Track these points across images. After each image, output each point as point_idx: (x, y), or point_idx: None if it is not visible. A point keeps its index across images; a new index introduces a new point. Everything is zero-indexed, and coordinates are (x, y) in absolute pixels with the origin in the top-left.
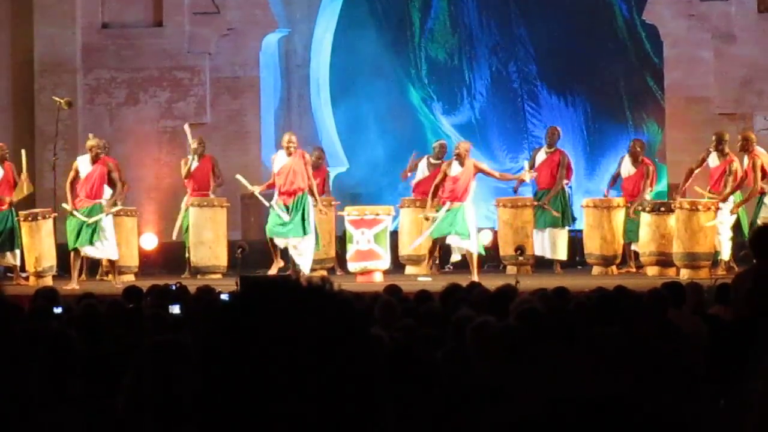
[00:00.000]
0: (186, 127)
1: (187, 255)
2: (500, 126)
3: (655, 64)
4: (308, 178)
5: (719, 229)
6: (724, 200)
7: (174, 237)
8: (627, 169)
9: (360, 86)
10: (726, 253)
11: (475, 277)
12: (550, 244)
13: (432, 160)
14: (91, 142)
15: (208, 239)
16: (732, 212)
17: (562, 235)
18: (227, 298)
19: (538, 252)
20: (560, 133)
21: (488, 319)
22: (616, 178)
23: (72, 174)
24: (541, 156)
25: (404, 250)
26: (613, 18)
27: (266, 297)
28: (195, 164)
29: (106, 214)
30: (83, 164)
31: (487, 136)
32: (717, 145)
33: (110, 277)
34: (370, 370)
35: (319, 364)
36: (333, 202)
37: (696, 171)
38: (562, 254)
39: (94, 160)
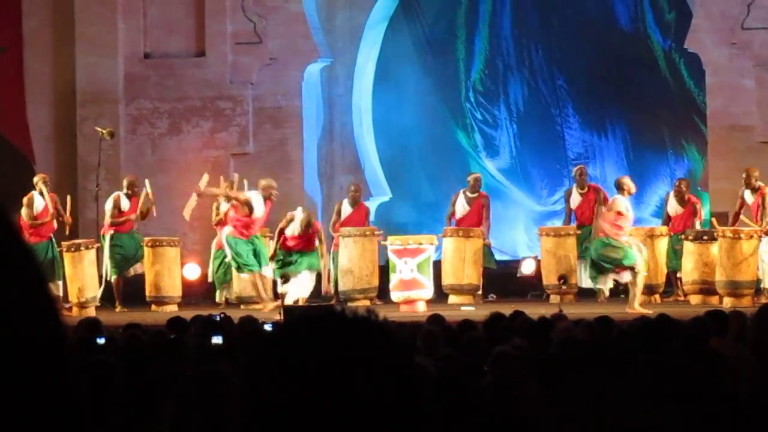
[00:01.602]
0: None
1: (218, 294)
2: (539, 155)
3: (692, 90)
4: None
5: (762, 257)
6: (766, 233)
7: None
8: (674, 208)
9: (403, 115)
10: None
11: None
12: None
13: (469, 194)
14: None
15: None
16: None
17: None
18: (270, 329)
19: (581, 283)
20: (587, 171)
21: (529, 347)
22: (666, 220)
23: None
24: (575, 198)
25: (447, 280)
26: (649, 46)
27: (312, 327)
28: (224, 207)
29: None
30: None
31: (525, 166)
32: (747, 181)
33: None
34: (417, 401)
35: (366, 396)
36: (376, 232)
37: (740, 213)
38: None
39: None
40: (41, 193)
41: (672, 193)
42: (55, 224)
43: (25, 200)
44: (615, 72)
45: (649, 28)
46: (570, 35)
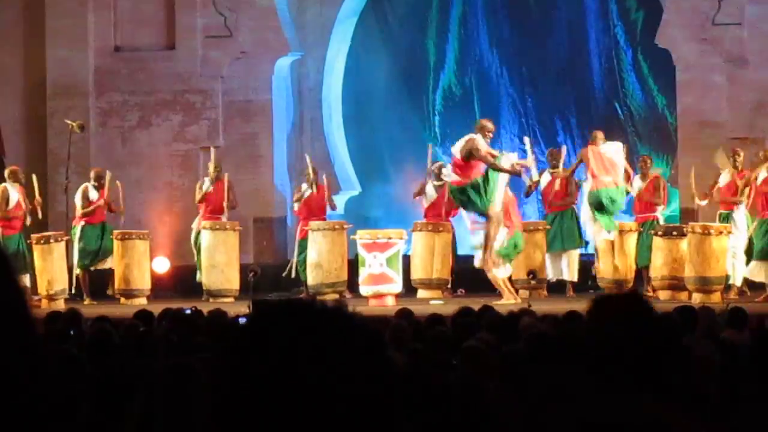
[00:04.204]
0: (212, 150)
1: (198, 277)
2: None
3: (653, 89)
4: None
5: (733, 253)
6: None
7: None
8: (637, 185)
9: (373, 110)
10: (738, 278)
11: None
12: (566, 263)
13: (435, 183)
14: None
15: (221, 262)
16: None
17: (574, 256)
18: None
19: (550, 276)
20: (559, 154)
21: (496, 342)
22: (635, 205)
23: None
24: (546, 178)
25: (416, 274)
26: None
27: (282, 319)
28: (210, 188)
29: None
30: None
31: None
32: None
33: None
34: (388, 392)
35: (337, 386)
36: (345, 226)
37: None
38: (574, 275)
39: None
40: (15, 185)
41: (639, 174)
42: (28, 219)
43: None
44: (580, 81)
45: (616, 27)
46: (534, 30)
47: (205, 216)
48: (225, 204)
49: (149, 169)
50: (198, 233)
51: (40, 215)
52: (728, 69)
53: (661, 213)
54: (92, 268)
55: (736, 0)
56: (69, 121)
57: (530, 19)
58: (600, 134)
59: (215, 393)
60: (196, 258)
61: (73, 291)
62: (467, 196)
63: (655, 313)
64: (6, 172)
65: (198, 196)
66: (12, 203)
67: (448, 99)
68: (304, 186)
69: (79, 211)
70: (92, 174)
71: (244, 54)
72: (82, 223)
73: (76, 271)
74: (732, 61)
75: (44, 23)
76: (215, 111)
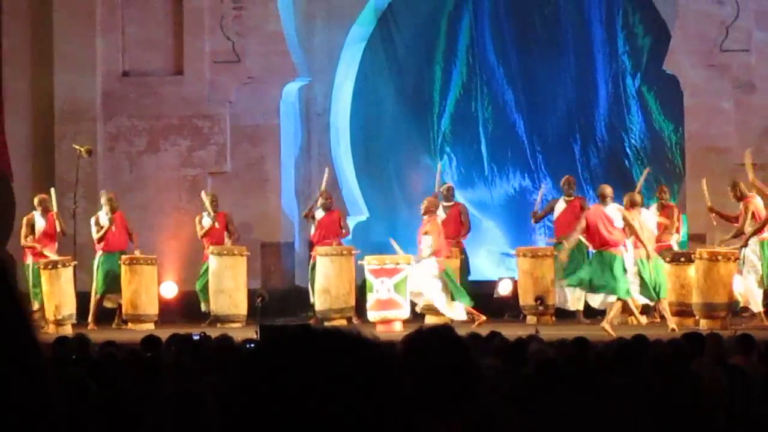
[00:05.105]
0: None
1: (203, 308)
2: (513, 179)
3: (659, 115)
4: None
5: (747, 279)
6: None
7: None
8: (654, 212)
9: (380, 135)
10: (756, 304)
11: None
12: (570, 290)
13: (445, 204)
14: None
15: (229, 288)
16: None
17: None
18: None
19: (559, 303)
20: (574, 181)
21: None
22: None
23: None
24: (560, 205)
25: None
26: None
27: (293, 345)
28: (210, 223)
29: None
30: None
31: (501, 185)
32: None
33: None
34: (401, 414)
35: (348, 413)
36: (353, 251)
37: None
38: (580, 304)
39: None
40: (43, 213)
41: (656, 205)
42: (55, 246)
43: (25, 220)
44: (587, 106)
45: (623, 55)
46: (543, 55)
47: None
48: (227, 239)
49: (157, 193)
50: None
51: (58, 227)
52: (736, 95)
53: (675, 241)
54: (107, 296)
55: (744, 26)
56: (77, 146)
57: (537, 44)
58: (608, 190)
59: (223, 420)
60: (199, 288)
61: (90, 318)
62: None
63: (463, 346)
64: (35, 201)
65: (200, 232)
66: (38, 233)
67: (455, 124)
68: (319, 212)
69: (94, 236)
70: (103, 199)
71: (251, 79)
72: (100, 252)
73: (95, 296)
74: (740, 87)
75: (52, 47)
76: (223, 136)
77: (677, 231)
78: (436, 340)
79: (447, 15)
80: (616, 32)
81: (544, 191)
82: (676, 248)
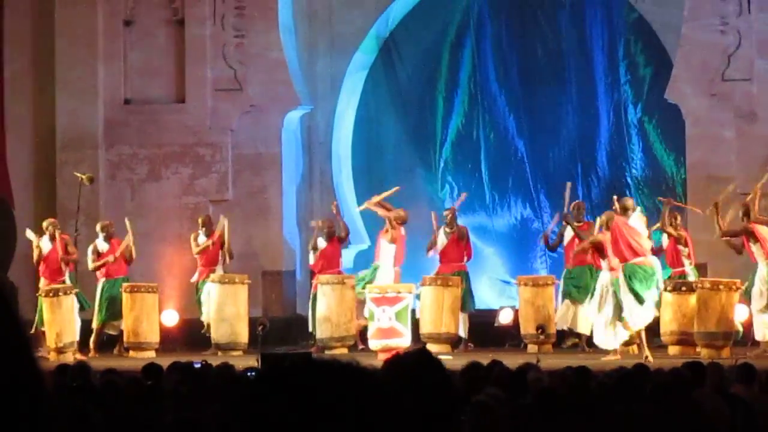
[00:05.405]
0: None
1: (205, 331)
2: (513, 207)
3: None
4: None
5: (753, 306)
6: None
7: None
8: (664, 239)
9: (382, 163)
10: (761, 333)
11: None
12: (572, 315)
13: (447, 229)
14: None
15: (230, 316)
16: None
17: (584, 310)
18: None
19: (560, 325)
20: (584, 207)
21: (505, 397)
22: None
23: None
24: (570, 232)
25: (425, 328)
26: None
27: (293, 374)
28: (206, 241)
29: None
30: None
31: (502, 213)
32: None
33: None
34: None
35: None
36: (354, 280)
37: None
38: (586, 329)
39: None
40: (51, 238)
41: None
42: (63, 267)
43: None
44: (588, 135)
45: (624, 84)
46: (548, 94)
47: (203, 266)
48: (225, 258)
49: (158, 221)
50: (197, 286)
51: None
52: (738, 124)
53: (691, 268)
54: (108, 323)
55: (746, 55)
56: (78, 174)
57: (539, 73)
58: (630, 202)
59: None
60: (199, 310)
61: (91, 345)
62: None
63: (442, 369)
64: (44, 224)
65: (195, 249)
66: (45, 254)
67: (457, 152)
68: (321, 241)
69: (90, 266)
70: (98, 227)
71: (253, 107)
72: (102, 279)
73: (96, 324)
74: (741, 116)
75: (54, 74)
76: (225, 164)
77: (688, 257)
78: (413, 363)
79: (449, 44)
80: (617, 61)
81: (558, 218)
82: (690, 274)
